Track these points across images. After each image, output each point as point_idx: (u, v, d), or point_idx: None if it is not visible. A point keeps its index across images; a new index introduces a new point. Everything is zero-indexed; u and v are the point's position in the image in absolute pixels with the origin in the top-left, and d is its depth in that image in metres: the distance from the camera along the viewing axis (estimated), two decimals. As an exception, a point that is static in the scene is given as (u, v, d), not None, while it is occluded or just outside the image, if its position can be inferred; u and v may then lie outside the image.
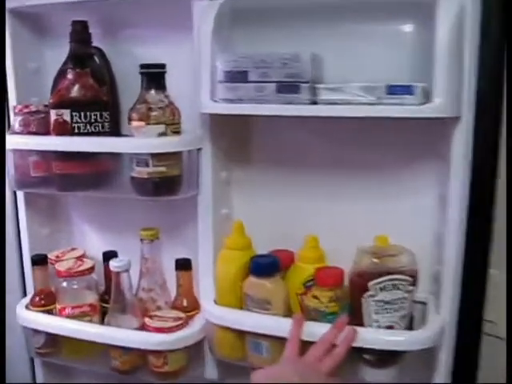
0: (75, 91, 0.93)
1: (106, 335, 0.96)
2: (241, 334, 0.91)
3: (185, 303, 1.02)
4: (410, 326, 0.86)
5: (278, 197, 0.99)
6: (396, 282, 0.83)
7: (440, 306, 0.87)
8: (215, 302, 0.95)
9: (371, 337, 0.82)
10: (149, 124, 0.90)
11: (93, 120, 0.94)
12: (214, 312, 0.92)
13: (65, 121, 0.93)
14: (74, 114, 0.93)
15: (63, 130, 0.93)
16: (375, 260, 0.83)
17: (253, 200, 1.01)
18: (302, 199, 0.98)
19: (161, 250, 1.03)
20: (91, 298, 1.02)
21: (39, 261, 1.03)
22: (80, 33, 0.95)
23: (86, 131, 0.93)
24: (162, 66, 0.91)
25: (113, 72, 1.01)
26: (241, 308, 0.92)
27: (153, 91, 0.91)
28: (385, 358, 0.85)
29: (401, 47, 0.81)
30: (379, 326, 0.84)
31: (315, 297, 0.86)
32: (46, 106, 0.97)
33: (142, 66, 0.90)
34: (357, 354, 0.85)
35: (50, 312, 1.03)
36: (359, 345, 0.82)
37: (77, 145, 0.92)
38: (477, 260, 0.88)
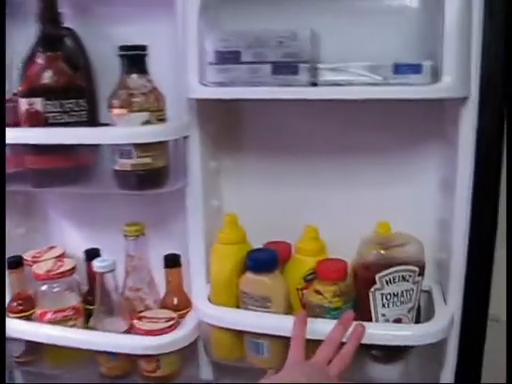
0: (47, 77, 0.85)
1: (92, 341, 0.89)
2: (239, 333, 0.86)
3: (175, 301, 0.96)
4: (417, 318, 0.82)
5: (272, 185, 0.94)
6: (404, 274, 0.78)
7: (447, 295, 0.83)
8: (209, 300, 0.88)
9: (379, 332, 0.78)
10: (131, 111, 0.82)
11: (68, 109, 0.85)
12: (210, 312, 0.86)
13: (37, 111, 0.84)
14: (46, 102, 0.84)
15: (36, 120, 0.84)
16: (382, 251, 0.78)
17: (244, 190, 0.95)
18: (297, 187, 0.93)
19: (147, 246, 0.96)
20: (74, 300, 0.95)
21: (14, 264, 0.95)
22: (48, 11, 0.86)
23: (61, 121, 0.85)
24: (144, 47, 0.83)
25: (87, 55, 0.93)
26: (237, 306, 0.86)
27: (134, 75, 0.83)
28: (393, 353, 0.81)
29: (405, 23, 0.74)
30: (387, 320, 0.80)
31: (318, 292, 0.81)
32: (14, 94, 0.88)
33: (122, 48, 0.82)
34: (363, 350, 0.80)
35: (29, 318, 0.95)
36: (367, 341, 0.77)
37: (52, 137, 0.83)
38: (483, 246, 0.84)
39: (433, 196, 0.87)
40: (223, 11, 0.79)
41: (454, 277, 0.81)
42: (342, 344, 0.76)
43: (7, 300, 0.96)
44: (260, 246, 0.90)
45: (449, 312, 0.81)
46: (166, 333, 0.89)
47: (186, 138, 0.87)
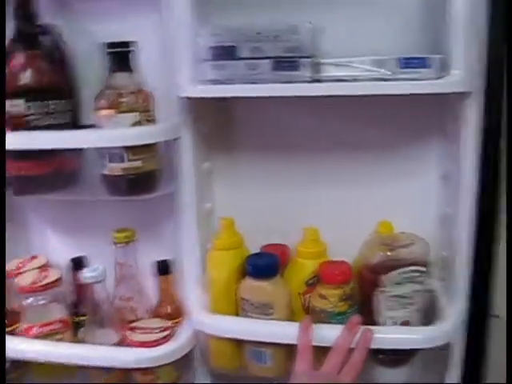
0: (28, 77, 0.79)
1: (83, 355, 0.84)
2: (239, 342, 0.82)
3: (168, 310, 0.92)
4: (424, 319, 0.79)
5: (267, 186, 0.90)
6: (411, 275, 0.76)
7: (453, 294, 0.81)
8: (207, 308, 0.84)
9: (388, 336, 0.75)
10: (120, 112, 0.77)
11: (51, 110, 0.80)
12: (209, 321, 0.82)
13: (19, 112, 0.79)
14: (28, 104, 0.79)
15: (17, 123, 0.79)
16: (388, 252, 0.75)
17: (238, 191, 0.91)
18: (293, 187, 0.89)
19: (137, 253, 0.91)
20: (61, 312, 0.89)
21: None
22: (26, 7, 0.80)
23: (44, 124, 0.80)
24: (131, 44, 0.78)
25: (68, 53, 0.87)
26: (236, 314, 0.82)
27: (121, 74, 0.78)
28: (401, 356, 0.79)
29: (410, 16, 0.71)
30: (394, 323, 0.77)
31: (322, 296, 0.78)
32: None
33: (108, 45, 0.77)
34: (370, 354, 0.77)
35: (13, 333, 0.89)
36: (376, 346, 0.74)
37: (37, 141, 0.78)
38: (487, 243, 0.82)
39: (434, 192, 0.85)
40: (216, 4, 0.75)
41: (459, 274, 0.79)
42: (351, 350, 0.73)
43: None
44: (256, 250, 0.86)
45: (456, 312, 0.79)
46: (161, 344, 0.84)
47: (176, 139, 0.82)
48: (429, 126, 0.83)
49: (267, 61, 0.70)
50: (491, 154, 0.77)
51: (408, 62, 0.67)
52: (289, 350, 0.78)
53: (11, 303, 0.91)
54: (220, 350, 0.84)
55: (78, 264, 0.92)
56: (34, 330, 0.87)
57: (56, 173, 0.82)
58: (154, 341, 0.84)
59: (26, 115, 0.78)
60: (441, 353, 0.78)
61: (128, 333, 0.86)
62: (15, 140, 0.77)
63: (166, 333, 0.86)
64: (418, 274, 0.76)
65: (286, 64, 0.70)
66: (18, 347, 0.86)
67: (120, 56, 0.78)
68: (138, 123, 0.78)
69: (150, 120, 0.80)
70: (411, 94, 0.69)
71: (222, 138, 0.89)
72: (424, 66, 0.67)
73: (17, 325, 0.90)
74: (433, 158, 0.84)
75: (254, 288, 0.79)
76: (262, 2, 0.73)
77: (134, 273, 0.91)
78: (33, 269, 0.92)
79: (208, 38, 0.72)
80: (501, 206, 0.82)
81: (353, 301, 0.78)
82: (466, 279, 0.79)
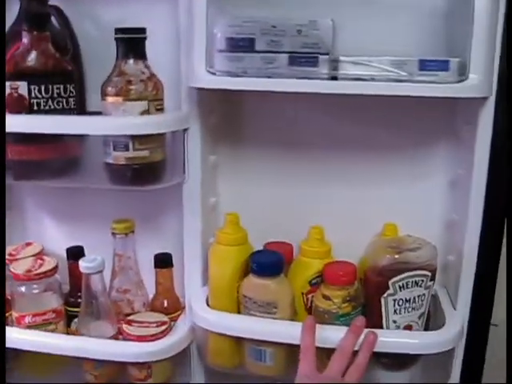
0: (33, 59, 0.77)
1: (78, 347, 0.82)
2: (238, 339, 0.80)
3: (165, 304, 0.91)
4: (426, 323, 0.79)
5: (273, 183, 0.88)
6: (417, 279, 0.75)
7: (457, 300, 0.80)
8: (207, 304, 0.83)
9: (392, 340, 0.75)
10: (128, 100, 0.75)
11: (55, 94, 0.78)
12: (210, 317, 0.81)
13: (21, 95, 0.76)
14: (32, 86, 0.76)
15: (19, 106, 0.76)
16: (396, 256, 0.74)
17: (243, 186, 0.89)
18: (300, 185, 0.88)
19: (136, 245, 0.89)
20: (55, 302, 0.87)
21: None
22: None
23: (47, 108, 0.77)
24: (143, 30, 0.76)
25: (76, 37, 0.85)
26: (237, 311, 0.81)
27: (131, 61, 0.76)
28: (403, 360, 0.78)
29: (430, 18, 0.70)
30: (398, 327, 0.76)
31: (326, 297, 0.77)
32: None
33: (119, 31, 0.75)
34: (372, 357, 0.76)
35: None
36: (378, 349, 0.74)
37: (38, 125, 0.75)
38: (492, 250, 0.82)
39: (441, 196, 0.84)
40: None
41: (464, 280, 0.79)
42: (354, 352, 0.72)
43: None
44: (260, 247, 0.85)
45: (460, 318, 0.78)
46: (160, 338, 0.83)
47: (185, 130, 0.80)
48: (438, 130, 0.82)
49: (284, 55, 0.68)
50: (504, 161, 0.76)
51: (427, 65, 0.66)
52: (289, 349, 0.78)
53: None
54: (219, 347, 0.82)
55: (74, 254, 0.89)
56: (27, 320, 0.85)
57: (57, 159, 0.79)
58: (152, 335, 0.83)
59: (29, 98, 0.76)
60: (445, 358, 0.77)
61: (124, 326, 0.85)
62: (16, 123, 0.74)
63: (163, 327, 0.84)
64: (423, 279, 0.75)
65: (303, 59, 0.68)
66: (10, 336, 0.83)
67: (132, 42, 0.75)
68: (146, 112, 0.76)
69: (160, 109, 0.78)
70: (428, 97, 0.68)
71: (230, 132, 0.87)
72: (443, 69, 0.66)
73: (9, 313, 0.87)
74: (441, 162, 0.84)
75: (257, 286, 0.77)
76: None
77: (132, 265, 0.89)
78: (28, 256, 0.90)
79: (225, 29, 0.70)
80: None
81: (357, 302, 0.77)
82: (471, 285, 0.79)
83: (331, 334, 0.74)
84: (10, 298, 0.87)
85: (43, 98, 0.77)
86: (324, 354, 0.73)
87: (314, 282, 0.80)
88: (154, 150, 0.77)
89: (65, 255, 0.91)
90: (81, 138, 0.78)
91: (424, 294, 0.76)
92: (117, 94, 0.75)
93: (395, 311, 0.75)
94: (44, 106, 0.77)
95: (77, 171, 0.81)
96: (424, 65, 0.66)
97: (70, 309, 0.90)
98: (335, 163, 0.86)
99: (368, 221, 0.84)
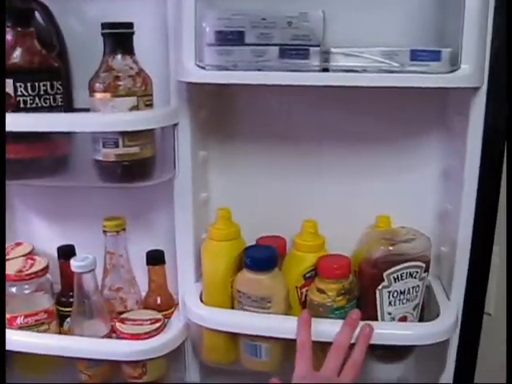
0: (18, 56, 0.75)
1: (70, 347, 0.82)
2: (233, 335, 0.80)
3: (159, 301, 0.90)
4: (420, 315, 0.79)
5: (264, 177, 0.88)
6: (411, 270, 0.75)
7: (451, 291, 0.80)
8: (201, 300, 0.82)
9: (387, 332, 0.75)
10: (117, 96, 0.74)
11: (42, 92, 0.76)
12: (204, 313, 0.80)
13: (7, 93, 0.74)
14: (18, 84, 0.75)
15: (6, 104, 0.75)
16: (390, 247, 0.74)
17: (235, 180, 0.89)
18: (292, 178, 0.87)
19: (127, 243, 0.89)
20: (47, 302, 0.87)
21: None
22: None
23: (34, 106, 0.76)
24: (131, 25, 0.74)
25: (61, 33, 0.83)
26: (231, 307, 0.80)
27: (119, 56, 0.75)
28: (398, 352, 0.78)
29: (421, 7, 0.70)
30: (392, 318, 0.76)
31: (321, 290, 0.77)
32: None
33: (106, 26, 0.73)
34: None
35: (-4, 323, 0.86)
36: (374, 341, 0.74)
37: (25, 123, 0.74)
38: (485, 240, 0.82)
39: (434, 187, 0.84)
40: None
41: (458, 271, 0.79)
42: (351, 345, 0.72)
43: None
44: (252, 242, 0.85)
45: (454, 309, 0.78)
46: (153, 336, 0.82)
47: (175, 125, 0.80)
48: (429, 120, 0.82)
49: (275, 48, 0.68)
50: (496, 152, 0.76)
51: (418, 55, 0.65)
52: (284, 344, 0.77)
53: (-6, 291, 0.87)
54: (214, 344, 0.82)
55: (65, 253, 0.88)
56: (18, 321, 0.84)
57: (46, 157, 0.78)
58: (146, 333, 0.82)
59: (15, 96, 0.74)
60: (439, 349, 0.77)
61: (118, 324, 0.84)
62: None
63: (157, 325, 0.83)
64: (417, 270, 0.75)
65: (294, 52, 0.67)
66: (2, 338, 0.82)
67: (119, 37, 0.74)
68: (135, 108, 0.74)
69: (149, 105, 0.77)
70: (420, 88, 0.67)
71: (220, 126, 0.86)
72: (434, 60, 0.65)
73: (0, 314, 0.86)
74: (433, 153, 0.83)
75: (251, 281, 0.77)
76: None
77: (124, 263, 0.89)
78: (18, 256, 0.89)
79: (214, 22, 0.69)
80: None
81: (351, 295, 0.77)
82: (465, 276, 0.79)
83: (326, 328, 0.74)
84: (0, 299, 0.86)
85: (30, 95, 0.75)
86: (319, 348, 0.73)
87: (308, 275, 0.80)
88: (143, 146, 0.76)
89: (56, 254, 0.90)
90: (69, 135, 0.77)
91: (418, 286, 0.76)
92: (105, 90, 0.74)
93: (390, 303, 0.75)
94: (31, 103, 0.76)
95: (66, 169, 0.80)
96: (415, 55, 0.66)
97: (62, 309, 0.89)
98: (327, 156, 0.85)
99: (361, 213, 0.84)
